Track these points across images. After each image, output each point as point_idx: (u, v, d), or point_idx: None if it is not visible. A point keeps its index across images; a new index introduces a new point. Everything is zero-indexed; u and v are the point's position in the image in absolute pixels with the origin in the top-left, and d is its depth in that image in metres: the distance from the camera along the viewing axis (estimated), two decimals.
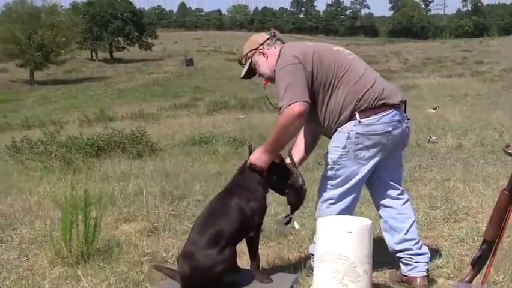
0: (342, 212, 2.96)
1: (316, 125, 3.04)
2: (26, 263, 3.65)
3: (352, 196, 3.01)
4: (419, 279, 3.00)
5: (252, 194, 2.95)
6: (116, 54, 65.97)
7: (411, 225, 3.08)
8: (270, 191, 3.07)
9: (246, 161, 3.01)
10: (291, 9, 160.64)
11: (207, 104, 21.14)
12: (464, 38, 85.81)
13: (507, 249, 3.32)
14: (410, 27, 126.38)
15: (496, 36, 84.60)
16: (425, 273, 3.03)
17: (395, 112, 2.95)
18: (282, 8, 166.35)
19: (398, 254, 3.09)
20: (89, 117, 17.76)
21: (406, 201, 3.13)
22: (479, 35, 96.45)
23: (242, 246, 3.06)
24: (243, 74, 3.17)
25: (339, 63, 2.95)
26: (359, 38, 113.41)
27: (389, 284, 3.11)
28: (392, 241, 3.10)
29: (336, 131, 2.96)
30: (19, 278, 3.37)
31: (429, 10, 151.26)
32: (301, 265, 3.22)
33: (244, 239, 2.98)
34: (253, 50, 3.10)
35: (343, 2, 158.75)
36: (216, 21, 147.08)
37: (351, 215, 2.98)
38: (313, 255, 2.88)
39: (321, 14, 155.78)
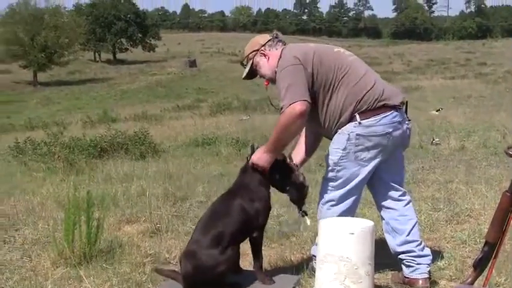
0: (344, 214, 2.96)
1: (317, 126, 3.05)
2: (28, 263, 3.65)
3: (353, 197, 3.01)
4: (421, 281, 3.00)
5: (256, 195, 2.95)
6: (120, 56, 65.93)
7: (413, 226, 3.08)
8: (272, 189, 3.07)
9: (248, 160, 3.02)
10: (294, 10, 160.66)
11: (210, 105, 21.11)
12: (468, 40, 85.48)
13: (509, 251, 3.32)
14: (414, 28, 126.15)
15: (499, 38, 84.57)
16: (427, 275, 3.03)
17: (396, 113, 2.95)
18: (285, 9, 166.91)
19: (400, 256, 3.09)
20: (92, 118, 17.72)
21: (408, 203, 3.12)
22: (482, 36, 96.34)
23: (245, 247, 3.06)
24: (244, 74, 3.17)
25: (339, 64, 2.96)
26: (362, 40, 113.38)
27: (391, 285, 3.11)
28: (393, 243, 3.10)
29: (336, 132, 2.97)
30: (22, 278, 3.38)
31: (433, 12, 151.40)
32: (304, 266, 3.22)
33: (248, 239, 2.98)
34: (254, 51, 3.10)
35: (346, 3, 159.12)
36: (219, 23, 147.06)
37: (352, 216, 2.98)
38: (315, 256, 2.88)
39: (324, 15, 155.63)
